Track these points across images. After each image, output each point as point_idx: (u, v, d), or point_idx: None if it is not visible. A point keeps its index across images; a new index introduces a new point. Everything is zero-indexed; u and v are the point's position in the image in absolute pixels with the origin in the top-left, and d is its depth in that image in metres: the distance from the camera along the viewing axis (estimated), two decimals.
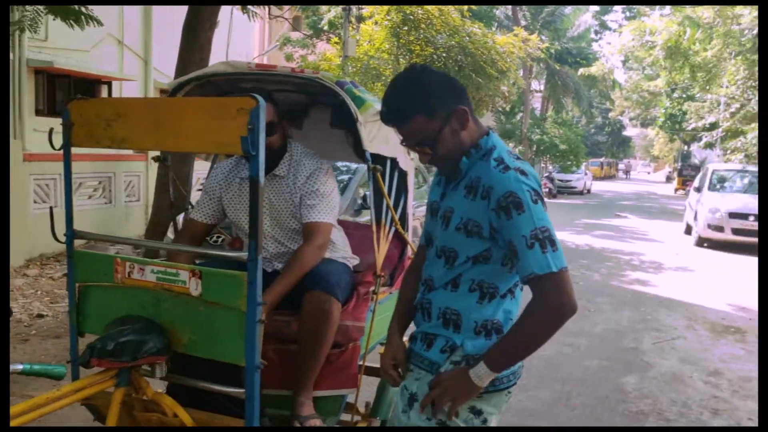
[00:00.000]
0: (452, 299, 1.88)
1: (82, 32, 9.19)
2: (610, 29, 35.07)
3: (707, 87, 17.91)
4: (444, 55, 12.17)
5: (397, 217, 2.94)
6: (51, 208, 2.36)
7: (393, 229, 2.89)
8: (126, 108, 2.24)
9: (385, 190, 2.81)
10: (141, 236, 8.33)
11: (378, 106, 2.74)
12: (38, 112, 9.66)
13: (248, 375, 2.10)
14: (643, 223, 17.65)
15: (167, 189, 7.26)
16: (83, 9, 6.24)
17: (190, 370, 2.34)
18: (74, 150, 2.37)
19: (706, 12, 13.12)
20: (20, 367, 1.97)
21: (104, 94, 10.95)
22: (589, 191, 32.20)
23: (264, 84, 2.89)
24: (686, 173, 36.31)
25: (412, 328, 2.07)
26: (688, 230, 15.02)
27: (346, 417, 2.75)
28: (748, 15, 13.97)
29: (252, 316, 2.07)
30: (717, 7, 11.85)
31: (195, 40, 7.30)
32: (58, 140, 2.29)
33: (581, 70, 25.21)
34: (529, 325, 1.73)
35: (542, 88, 36.33)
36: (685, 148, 47.53)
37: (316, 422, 2.40)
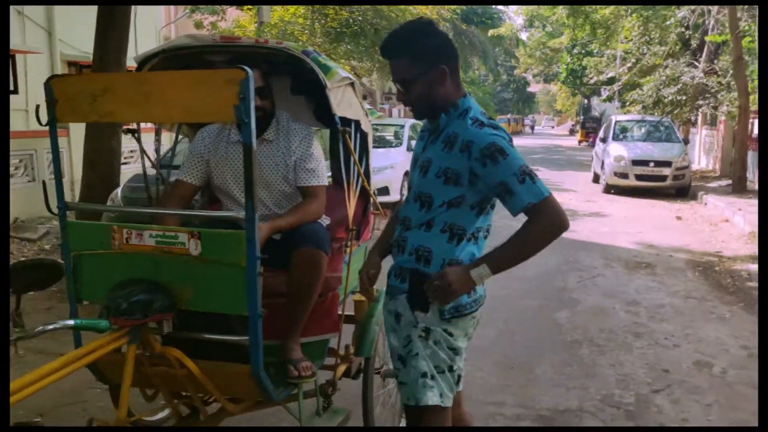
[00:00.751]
0: (425, 238, 2.13)
1: None
2: None
3: (607, 43, 18.89)
4: (360, 18, 12.26)
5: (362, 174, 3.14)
6: (44, 181, 2.42)
7: (360, 186, 3.09)
8: (113, 82, 2.32)
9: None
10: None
11: (342, 73, 2.92)
12: None
13: (251, 324, 2.28)
14: (555, 175, 18.56)
15: (95, 165, 7.17)
16: None
17: (191, 326, 2.49)
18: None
19: None
20: (71, 322, 2.11)
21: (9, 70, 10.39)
22: None
23: (228, 56, 2.98)
24: (588, 126, 38.20)
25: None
26: (596, 179, 15.98)
27: (329, 360, 2.97)
28: None
29: (252, 270, 2.24)
30: None
31: (115, 10, 7.07)
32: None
33: (491, 31, 25.83)
34: (532, 237, 2.00)
35: None
36: (586, 101, 49.78)
37: (307, 364, 2.61)
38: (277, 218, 2.63)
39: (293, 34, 12.10)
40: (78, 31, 11.45)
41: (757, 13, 11.76)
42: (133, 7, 12.01)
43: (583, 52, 32.28)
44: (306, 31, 12.29)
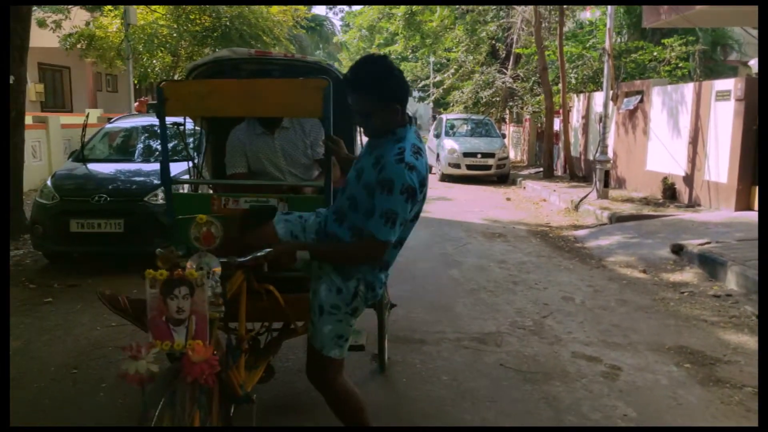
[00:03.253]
0: (339, 230, 2.55)
1: None
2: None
3: (434, 51, 20.78)
4: (228, 24, 12.52)
5: None
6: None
7: None
8: (218, 86, 2.88)
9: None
10: None
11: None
12: None
13: None
14: None
15: None
16: None
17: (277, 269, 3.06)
18: None
19: None
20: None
21: None
22: None
23: (262, 65, 3.57)
24: None
25: None
26: (430, 170, 17.69)
27: None
28: None
29: None
30: None
31: (16, 9, 6.90)
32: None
33: (335, 38, 26.81)
34: (351, 251, 2.46)
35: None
36: None
37: None
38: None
39: (162, 38, 12.05)
40: None
41: (557, 32, 13.99)
42: None
43: (400, 57, 34.55)
44: (175, 35, 12.30)
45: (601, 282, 6.29)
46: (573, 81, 15.46)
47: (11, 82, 6.87)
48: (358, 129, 3.62)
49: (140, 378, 1.95)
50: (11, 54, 6.87)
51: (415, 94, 39.76)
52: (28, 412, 3.37)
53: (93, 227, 5.97)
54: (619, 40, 16.92)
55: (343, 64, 48.41)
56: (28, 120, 10.96)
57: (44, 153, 10.04)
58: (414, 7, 16.12)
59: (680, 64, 14.85)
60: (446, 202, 12.11)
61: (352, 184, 2.47)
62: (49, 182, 6.34)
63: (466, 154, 15.64)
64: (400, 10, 16.57)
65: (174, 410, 2.13)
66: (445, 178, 15.99)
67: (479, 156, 15.65)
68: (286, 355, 4.12)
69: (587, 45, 15.93)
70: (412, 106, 50.27)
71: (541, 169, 15.99)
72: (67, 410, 3.41)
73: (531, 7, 15.07)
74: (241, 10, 12.78)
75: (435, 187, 14.64)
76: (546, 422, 3.37)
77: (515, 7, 16.41)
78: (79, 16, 15.64)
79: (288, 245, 2.49)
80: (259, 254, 2.40)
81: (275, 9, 14.73)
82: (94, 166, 6.78)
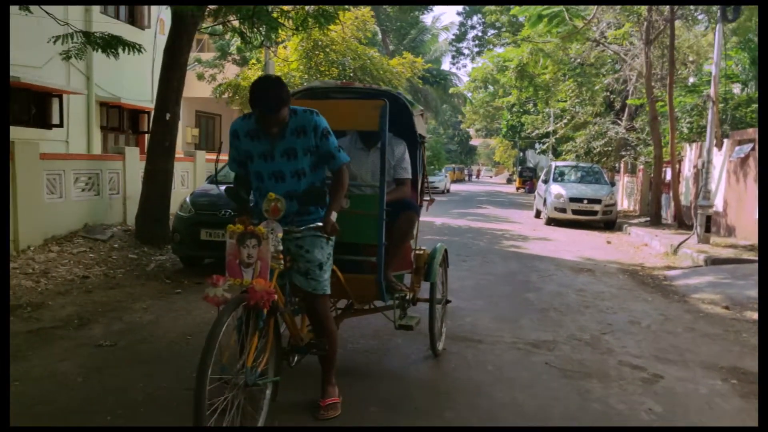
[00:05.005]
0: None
1: (34, 50, 9.73)
2: (464, 55, 38.34)
3: (547, 102, 21.01)
4: (351, 75, 13.76)
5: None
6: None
7: (422, 179, 4.40)
8: (298, 105, 3.59)
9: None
10: (123, 223, 9.17)
11: (419, 108, 4.27)
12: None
13: (379, 248, 3.55)
14: (501, 212, 20.26)
15: (153, 181, 8.24)
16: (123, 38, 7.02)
17: (340, 252, 3.64)
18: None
19: (548, 45, 15.82)
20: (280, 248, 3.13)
21: (56, 105, 11.35)
22: (449, 191, 34.87)
23: (344, 93, 4.25)
24: (525, 174, 40.77)
25: None
26: (538, 214, 17.69)
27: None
28: (574, 46, 16.86)
29: (381, 216, 3.53)
30: (558, 40, 14.46)
31: (176, 60, 8.25)
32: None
33: (451, 89, 27.87)
34: (341, 184, 3.16)
35: None
36: (522, 154, 52.75)
37: (401, 285, 3.88)
38: (388, 193, 3.89)
39: (294, 87, 13.50)
40: (109, 78, 12.54)
41: (668, 83, 13.81)
42: (152, 59, 13.26)
43: (522, 110, 34.81)
44: (305, 77, 13.83)
45: (675, 312, 6.27)
46: (686, 130, 15.03)
47: (167, 118, 8.21)
48: (420, 145, 4.20)
49: (216, 300, 2.64)
50: (170, 95, 8.22)
51: (536, 146, 39.75)
52: (150, 359, 4.18)
53: (219, 236, 6.93)
54: (746, 90, 16.26)
55: (466, 116, 49.61)
56: (180, 153, 12.60)
57: (191, 182, 11.53)
58: (525, 60, 16.56)
59: None
60: (545, 242, 12.20)
61: (290, 163, 3.11)
62: (187, 199, 7.46)
63: (572, 200, 15.57)
64: (513, 63, 17.08)
65: (239, 332, 2.76)
66: (551, 221, 15.97)
67: (585, 202, 15.52)
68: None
69: (702, 94, 15.46)
70: (534, 158, 50.01)
71: (649, 218, 15.52)
72: (178, 360, 4.17)
73: (642, 59, 14.98)
74: (363, 62, 13.99)
75: (539, 230, 14.71)
76: (571, 407, 3.63)
77: (628, 59, 16.33)
78: (230, 71, 17.75)
79: (327, 217, 3.07)
80: (311, 225, 3.04)
81: (395, 62, 15.87)
82: (224, 188, 7.87)
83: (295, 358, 3.42)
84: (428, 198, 4.57)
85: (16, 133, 9.85)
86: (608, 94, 20.34)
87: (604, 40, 16.16)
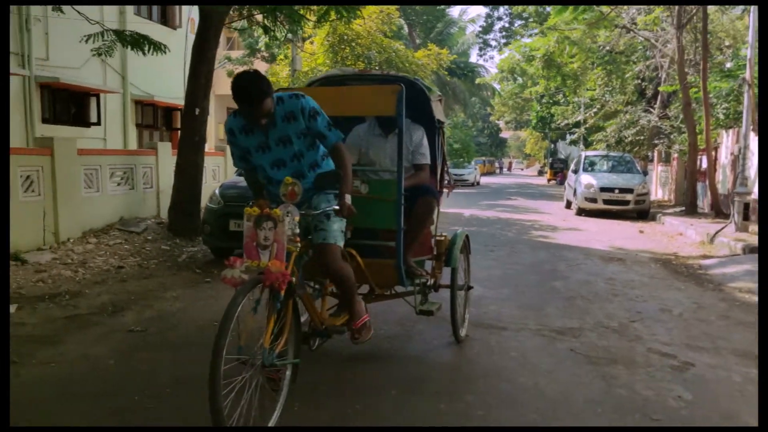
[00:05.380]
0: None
1: (73, 51, 9.97)
2: (491, 46, 37.90)
3: (576, 91, 20.63)
4: (377, 68, 13.75)
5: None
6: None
7: (442, 164, 4.36)
8: (321, 92, 3.60)
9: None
10: (156, 216, 9.36)
11: (437, 93, 4.21)
12: (44, 120, 10.28)
13: (398, 233, 3.53)
14: (531, 203, 20.01)
15: (183, 175, 8.36)
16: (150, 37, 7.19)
17: (359, 236, 3.61)
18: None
19: (575, 33, 15.51)
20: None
21: (93, 104, 11.62)
22: (479, 183, 34.52)
23: (361, 81, 4.24)
24: (556, 166, 40.12)
25: None
26: (568, 205, 17.39)
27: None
28: (602, 33, 16.49)
29: (399, 201, 3.52)
30: (585, 27, 14.15)
31: (204, 55, 8.35)
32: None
33: (478, 80, 27.59)
34: (344, 164, 3.15)
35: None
36: (553, 146, 51.98)
37: (421, 270, 3.86)
38: (407, 178, 3.87)
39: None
40: (143, 77, 12.77)
41: (701, 68, 13.43)
42: (183, 58, 13.46)
43: (551, 101, 34.26)
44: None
45: (709, 301, 6.10)
46: (721, 116, 14.59)
47: (196, 112, 8.32)
48: (438, 130, 4.16)
49: (234, 280, 2.67)
50: (198, 91, 8.33)
51: (567, 137, 39.13)
52: (179, 344, 4.25)
53: None
54: None
55: (495, 108, 49.05)
56: (212, 148, 12.77)
57: (221, 176, 11.66)
58: (551, 49, 16.26)
59: None
60: (575, 232, 11.99)
61: (287, 149, 3.15)
62: (217, 191, 7.55)
63: (603, 189, 15.25)
64: (540, 52, 16.78)
65: (255, 313, 2.78)
66: (581, 212, 15.68)
67: (617, 191, 15.19)
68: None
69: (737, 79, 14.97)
70: (565, 150, 49.20)
71: (684, 207, 15.13)
72: (205, 346, 4.22)
73: (674, 45, 14.58)
74: (389, 55, 13.96)
75: (569, 220, 14.47)
76: (594, 392, 3.56)
77: (659, 45, 15.91)
78: (260, 67, 17.90)
79: (342, 200, 3.08)
80: (327, 208, 3.08)
81: (420, 54, 15.78)
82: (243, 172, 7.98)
83: (316, 342, 3.43)
84: (448, 184, 4.53)
85: (57, 131, 10.13)
86: (639, 81, 19.85)
87: (635, 27, 15.77)
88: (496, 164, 66.52)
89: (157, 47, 7.00)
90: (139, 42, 6.94)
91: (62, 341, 4.29)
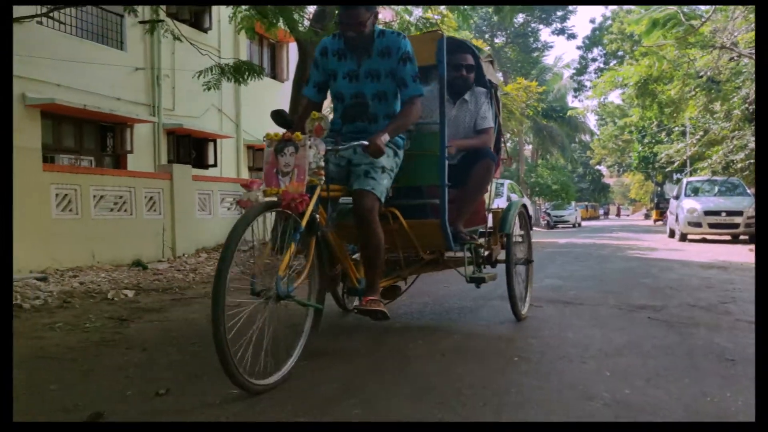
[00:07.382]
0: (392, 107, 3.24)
1: (195, 102, 10.99)
2: (586, 87, 37.20)
3: (674, 119, 19.59)
4: None
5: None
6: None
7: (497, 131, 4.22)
8: None
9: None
10: (262, 239, 9.89)
11: (486, 52, 4.22)
12: (169, 161, 11.37)
13: (441, 189, 3.35)
14: (632, 235, 18.95)
15: None
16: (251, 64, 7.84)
17: (401, 197, 3.46)
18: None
19: (668, 51, 14.79)
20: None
21: (211, 149, 12.70)
22: (579, 225, 33.21)
23: None
24: (662, 206, 37.69)
25: None
26: (672, 234, 16.22)
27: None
28: (697, 53, 15.64)
29: (443, 157, 3.38)
30: (674, 41, 13.40)
31: (301, 90, 8.94)
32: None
33: (569, 111, 27.02)
34: (408, 115, 3.05)
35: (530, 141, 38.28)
36: (658, 189, 49.17)
37: (472, 235, 3.76)
38: (466, 140, 3.89)
39: None
40: (254, 123, 13.80)
41: None
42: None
43: (653, 140, 32.67)
44: None
45: None
46: None
47: None
48: (492, 95, 4.07)
49: (249, 203, 2.57)
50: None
51: (674, 176, 36.95)
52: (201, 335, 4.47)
53: None
54: None
55: (595, 152, 47.39)
56: None
57: None
58: (644, 73, 15.64)
59: None
60: (675, 252, 11.23)
61: (373, 84, 3.08)
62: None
63: (707, 213, 14.16)
64: (633, 79, 16.18)
65: (274, 241, 2.70)
66: (684, 237, 14.63)
67: (724, 214, 14.05)
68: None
69: None
70: (672, 191, 46.33)
71: None
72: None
73: None
74: None
75: (670, 245, 13.57)
76: (665, 342, 3.33)
77: None
78: None
79: (377, 136, 2.88)
80: (355, 144, 2.88)
81: (510, 87, 15.77)
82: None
83: (352, 304, 3.22)
84: (504, 156, 4.34)
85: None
86: (747, 106, 18.51)
87: (734, 47, 14.89)
88: (600, 210, 63.79)
89: (257, 72, 7.63)
90: (240, 70, 7.62)
91: (167, 311, 4.70)
